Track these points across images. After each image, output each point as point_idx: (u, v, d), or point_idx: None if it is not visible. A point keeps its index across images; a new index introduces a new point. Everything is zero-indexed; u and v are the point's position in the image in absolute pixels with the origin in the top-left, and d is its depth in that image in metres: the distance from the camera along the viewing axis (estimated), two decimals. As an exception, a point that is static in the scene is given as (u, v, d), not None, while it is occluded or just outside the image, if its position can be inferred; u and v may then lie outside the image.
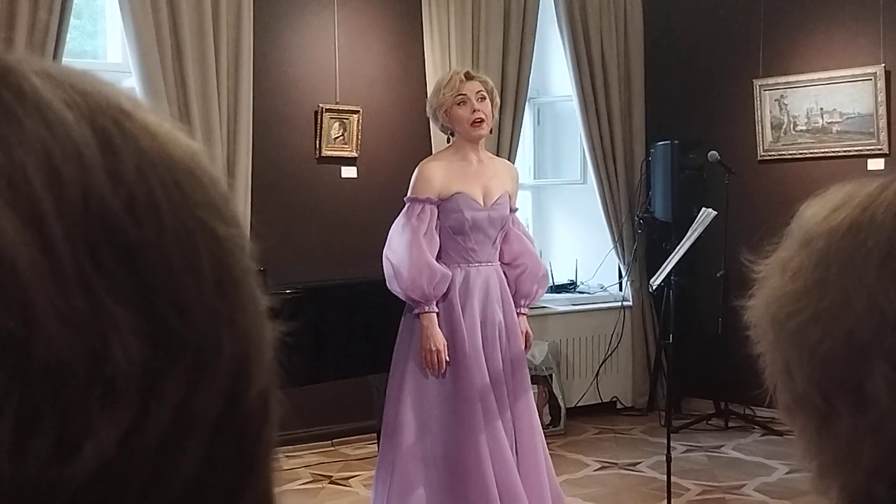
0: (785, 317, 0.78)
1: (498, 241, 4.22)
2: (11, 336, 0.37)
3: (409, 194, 4.14)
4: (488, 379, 4.11)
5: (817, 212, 0.80)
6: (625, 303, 7.50)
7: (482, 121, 4.12)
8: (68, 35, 5.38)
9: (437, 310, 4.05)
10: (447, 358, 4.03)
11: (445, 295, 4.09)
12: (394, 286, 4.06)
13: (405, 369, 4.10)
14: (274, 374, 0.46)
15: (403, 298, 4.08)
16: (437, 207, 4.10)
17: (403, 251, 4.02)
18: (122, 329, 0.38)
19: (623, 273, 7.56)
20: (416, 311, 4.05)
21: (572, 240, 7.85)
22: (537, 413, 4.41)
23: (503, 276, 4.24)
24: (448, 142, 4.32)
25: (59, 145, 0.39)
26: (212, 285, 0.42)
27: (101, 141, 0.40)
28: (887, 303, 0.72)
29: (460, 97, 4.11)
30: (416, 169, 4.19)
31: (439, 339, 4.01)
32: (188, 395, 0.40)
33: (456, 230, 4.11)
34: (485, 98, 4.14)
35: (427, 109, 4.30)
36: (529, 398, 4.31)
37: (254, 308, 0.45)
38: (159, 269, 0.40)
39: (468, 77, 4.18)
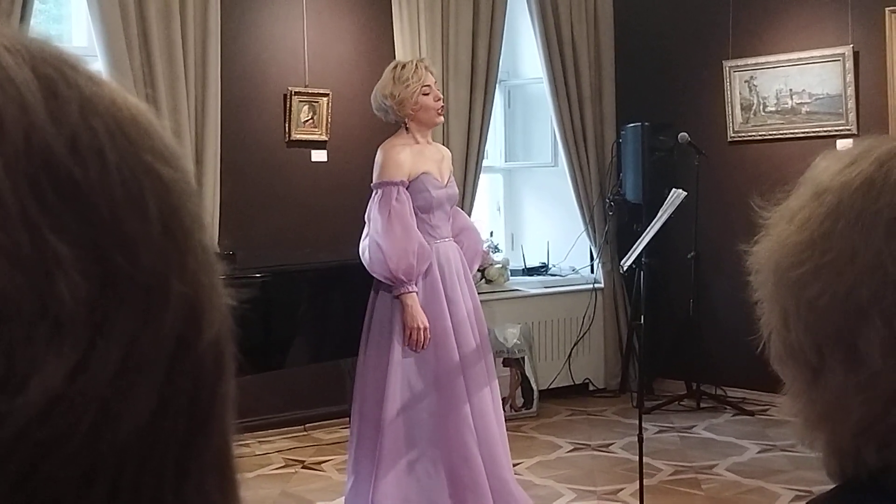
0: (787, 266, 0.77)
1: (450, 217, 4.39)
2: None
3: (379, 178, 4.21)
4: (471, 351, 4.24)
5: (831, 164, 0.79)
6: (596, 285, 7.51)
7: (443, 108, 4.42)
8: (33, 19, 5.32)
9: (417, 289, 4.14)
10: (429, 334, 4.16)
11: (426, 272, 4.19)
12: (379, 269, 4.11)
13: (390, 345, 4.16)
14: (228, 327, 0.46)
15: (387, 280, 4.14)
16: (408, 189, 4.21)
17: (394, 233, 4.09)
18: (66, 266, 0.39)
19: (594, 255, 7.57)
20: (399, 291, 4.12)
21: (543, 222, 7.85)
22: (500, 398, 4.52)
23: (461, 253, 4.38)
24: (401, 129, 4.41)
25: (0, 88, 0.40)
26: (158, 226, 0.42)
27: (44, 86, 0.41)
28: (891, 263, 0.72)
29: (426, 87, 4.28)
30: (381, 153, 4.27)
31: (423, 318, 4.13)
32: (136, 335, 0.40)
33: (423, 209, 4.23)
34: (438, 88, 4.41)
35: (381, 100, 4.30)
36: (496, 383, 4.43)
37: (203, 254, 0.45)
38: (104, 209, 0.40)
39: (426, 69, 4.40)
